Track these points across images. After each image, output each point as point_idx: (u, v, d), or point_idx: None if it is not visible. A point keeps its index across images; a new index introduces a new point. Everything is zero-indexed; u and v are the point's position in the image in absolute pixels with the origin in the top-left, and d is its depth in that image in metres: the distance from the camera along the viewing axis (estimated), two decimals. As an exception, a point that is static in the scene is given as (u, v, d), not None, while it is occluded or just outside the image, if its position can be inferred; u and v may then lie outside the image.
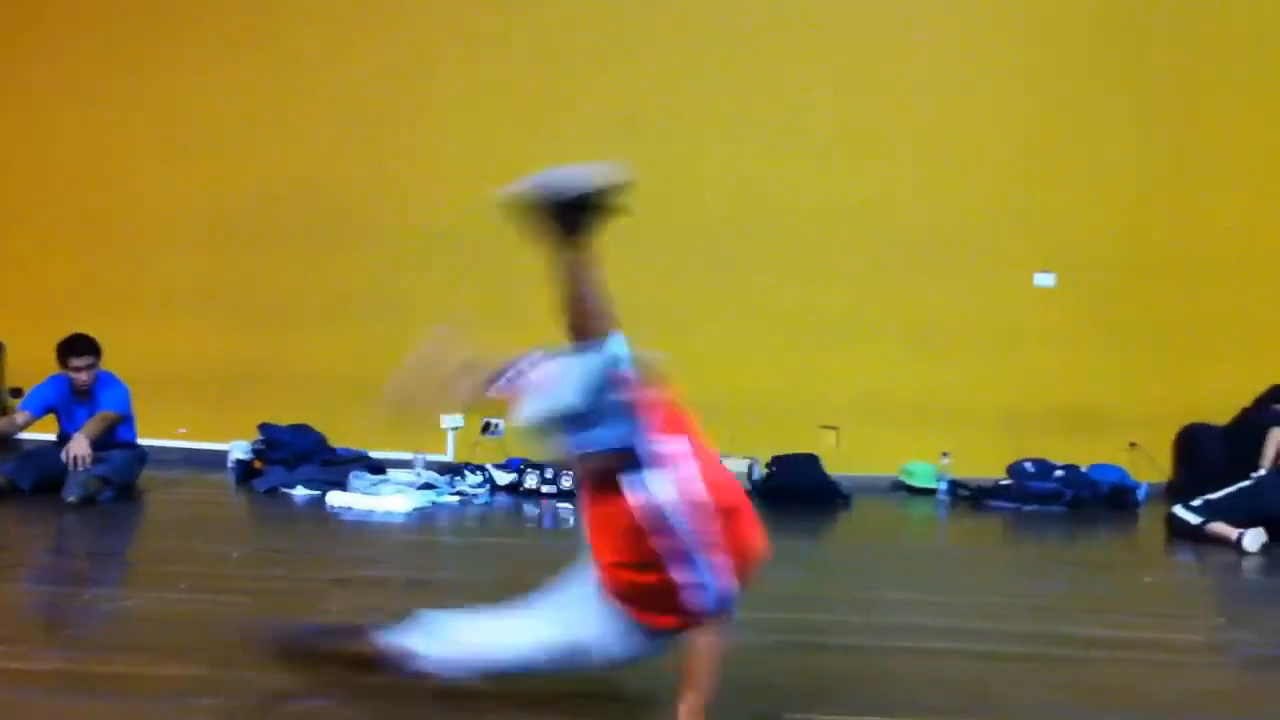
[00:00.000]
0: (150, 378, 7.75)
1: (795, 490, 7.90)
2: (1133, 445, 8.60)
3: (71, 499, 6.47)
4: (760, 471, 8.26)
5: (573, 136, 8.48)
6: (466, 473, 7.76)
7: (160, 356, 8.33)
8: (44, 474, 6.78)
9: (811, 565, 6.10)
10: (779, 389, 8.61)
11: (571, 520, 6.82)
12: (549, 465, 7.73)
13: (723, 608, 2.94)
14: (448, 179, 8.57)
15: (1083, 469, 8.25)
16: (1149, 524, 7.68)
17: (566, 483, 7.47)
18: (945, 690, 3.61)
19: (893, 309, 8.68)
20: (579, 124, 8.57)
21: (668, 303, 8.54)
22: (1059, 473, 8.15)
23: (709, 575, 2.90)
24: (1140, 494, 8.17)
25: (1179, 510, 6.93)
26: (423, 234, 8.61)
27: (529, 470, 7.75)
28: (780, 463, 8.22)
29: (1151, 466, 8.54)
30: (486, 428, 8.19)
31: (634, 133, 8.49)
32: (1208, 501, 6.89)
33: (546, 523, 6.90)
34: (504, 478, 7.77)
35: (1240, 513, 6.76)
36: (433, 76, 8.72)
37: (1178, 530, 6.91)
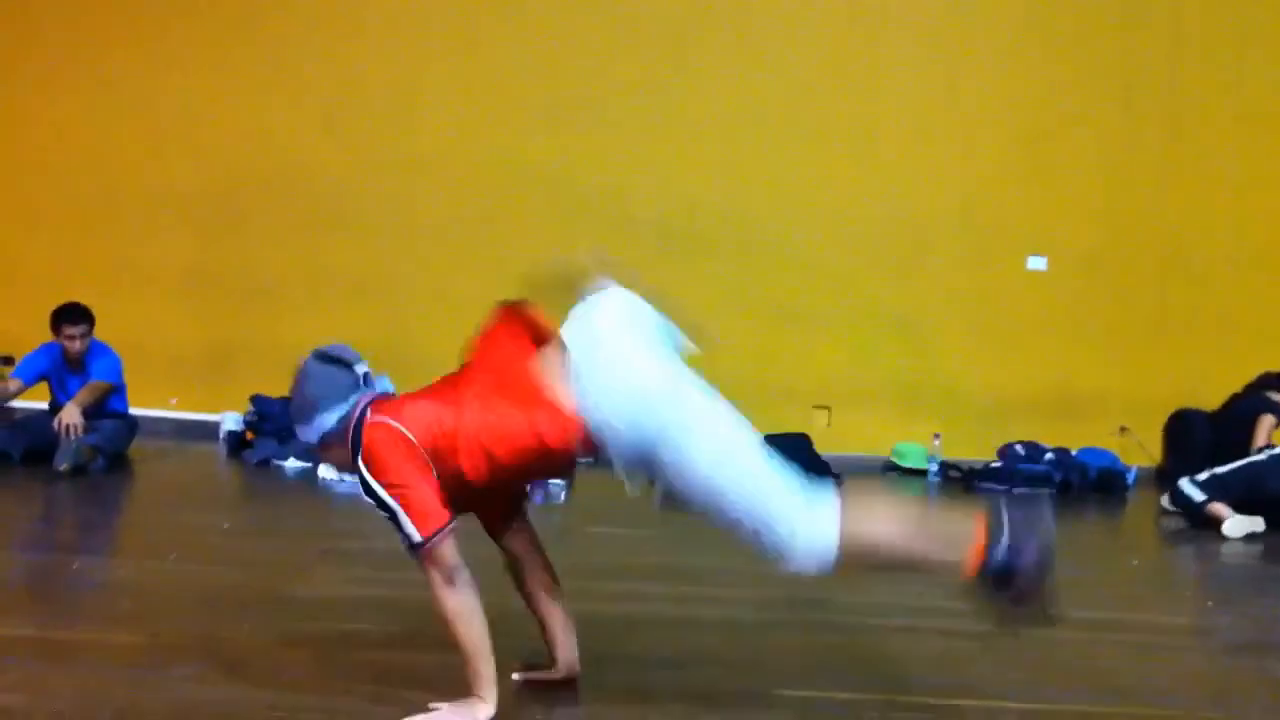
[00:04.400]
0: (142, 348, 7.77)
1: (786, 470, 7.91)
2: (1123, 430, 8.63)
3: (62, 468, 6.47)
4: (752, 450, 8.26)
5: (565, 124, 8.51)
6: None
7: (152, 328, 8.33)
8: (35, 442, 6.78)
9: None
10: (771, 369, 8.62)
11: (562, 495, 6.82)
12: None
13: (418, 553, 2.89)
14: (437, 160, 8.57)
15: (1073, 453, 8.27)
16: (1138, 508, 7.72)
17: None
18: (931, 668, 3.63)
19: (885, 291, 8.70)
20: (571, 111, 8.58)
21: (660, 287, 8.53)
22: (1049, 456, 8.17)
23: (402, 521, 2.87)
24: (1130, 478, 8.20)
25: (1185, 485, 6.91)
26: (411, 213, 8.61)
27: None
28: (772, 442, 8.18)
29: (1141, 451, 8.57)
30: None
31: (626, 121, 8.53)
32: (1214, 476, 6.87)
33: (535, 498, 6.89)
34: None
35: (1240, 491, 6.75)
36: (424, 59, 8.70)
37: (1180, 504, 6.90)
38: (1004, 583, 2.83)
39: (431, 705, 2.97)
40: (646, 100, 8.65)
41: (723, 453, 2.92)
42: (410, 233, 8.62)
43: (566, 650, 3.29)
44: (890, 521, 2.94)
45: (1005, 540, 2.80)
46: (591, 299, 3.08)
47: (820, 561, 2.84)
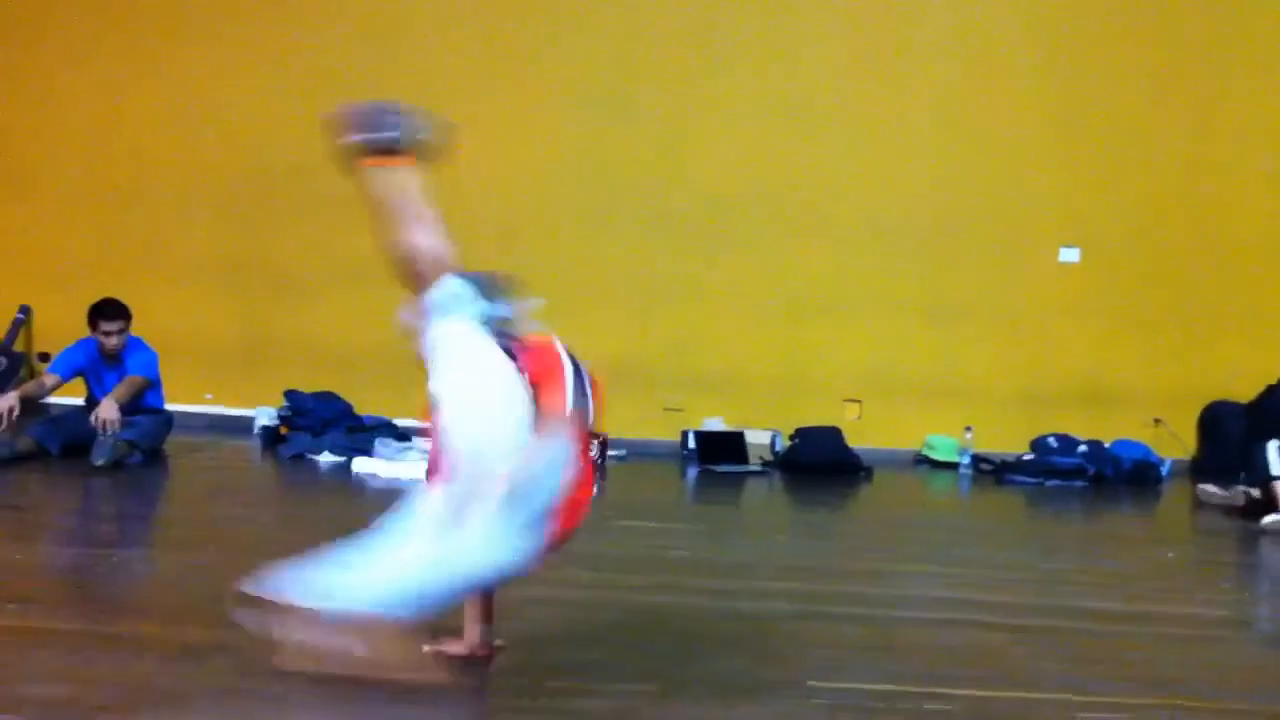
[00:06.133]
0: (177, 344, 7.82)
1: (817, 463, 7.93)
2: (1157, 422, 8.58)
3: (99, 462, 6.52)
4: (783, 444, 8.28)
5: (593, 115, 8.54)
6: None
7: (186, 323, 8.39)
8: (72, 437, 6.83)
9: (832, 537, 6.15)
10: (802, 363, 8.63)
11: (594, 490, 6.83)
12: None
13: None
14: (470, 150, 8.58)
15: (1106, 445, 8.23)
16: (1172, 500, 7.69)
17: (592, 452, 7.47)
18: (963, 661, 3.63)
19: (917, 283, 8.67)
20: (599, 102, 8.61)
21: (693, 279, 8.57)
22: (1082, 448, 8.14)
23: None
24: (1164, 470, 8.16)
25: (1272, 450, 6.75)
26: (449, 204, 8.61)
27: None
28: (803, 435, 8.23)
29: (1175, 443, 8.52)
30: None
31: (655, 113, 8.57)
32: None
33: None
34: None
35: None
36: (456, 47, 8.71)
37: (1256, 465, 6.77)
38: None
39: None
40: (675, 92, 8.65)
41: None
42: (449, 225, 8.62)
43: (481, 632, 3.38)
44: None
45: None
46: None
47: None
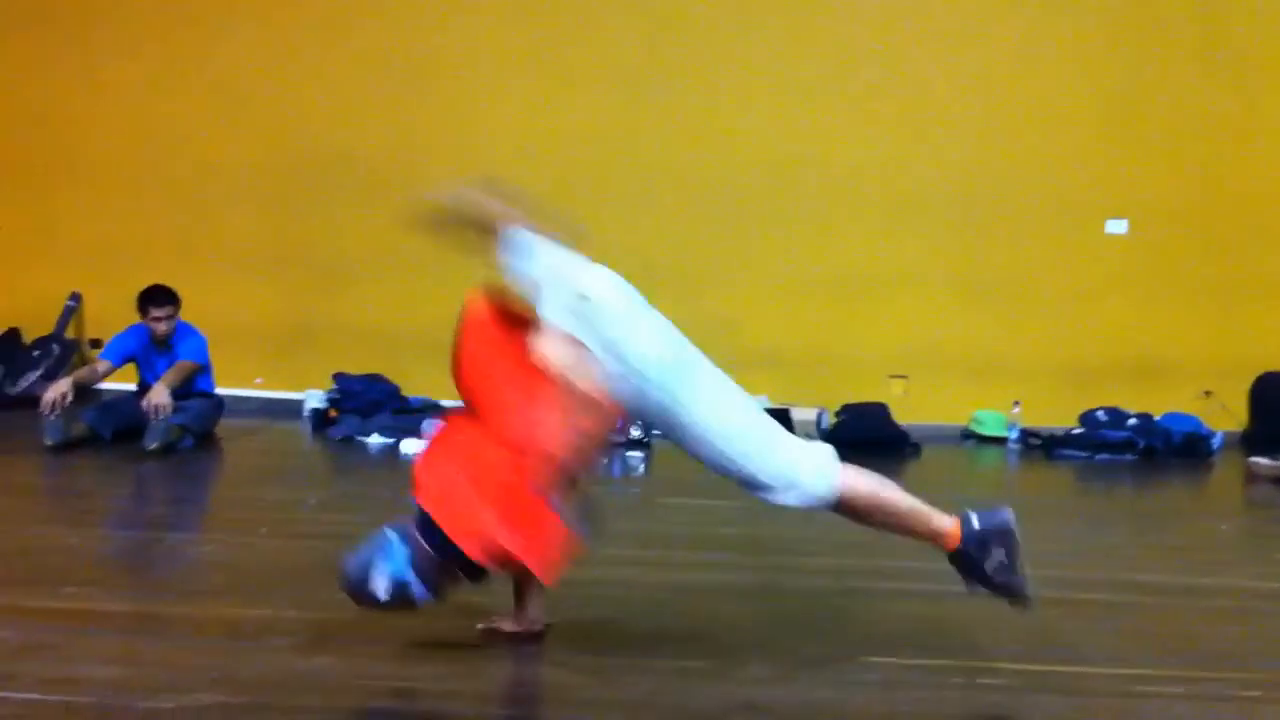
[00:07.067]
0: (226, 329, 7.89)
1: (864, 439, 7.89)
2: (1207, 394, 8.50)
3: (151, 447, 6.60)
4: (829, 420, 8.26)
5: (625, 94, 8.55)
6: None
7: (235, 308, 8.46)
8: (124, 423, 6.92)
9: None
10: (848, 338, 8.60)
11: (641, 468, 6.86)
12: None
13: None
14: (511, 133, 8.61)
15: (1156, 418, 8.17)
16: (1224, 473, 7.62)
17: (635, 431, 7.50)
18: (1014, 636, 3.61)
19: (962, 257, 8.63)
20: (632, 82, 8.62)
21: (731, 256, 8.56)
22: (1132, 421, 8.08)
23: None
24: (1214, 443, 8.09)
25: None
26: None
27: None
28: (849, 412, 8.22)
29: (1226, 415, 8.44)
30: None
31: (678, 83, 8.58)
32: None
33: (614, 470, 6.94)
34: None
35: None
36: (497, 30, 8.71)
37: None
38: (980, 558, 3.23)
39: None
40: (711, 68, 8.63)
41: (733, 404, 3.19)
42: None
43: (532, 609, 3.41)
44: (883, 481, 3.27)
45: (977, 523, 3.28)
46: (550, 268, 3.16)
47: (822, 493, 3.15)
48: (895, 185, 8.62)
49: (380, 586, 3.04)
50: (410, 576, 3.03)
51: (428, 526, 2.99)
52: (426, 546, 3.01)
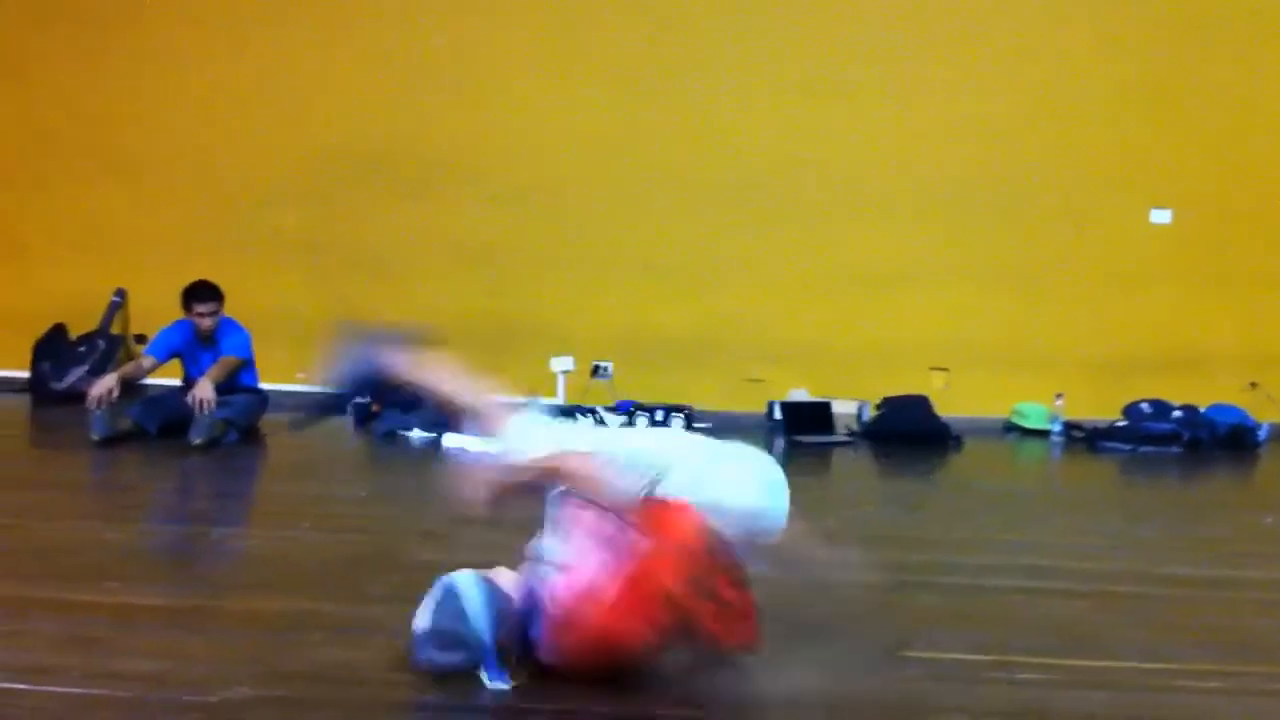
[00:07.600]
0: (269, 324, 7.93)
1: (905, 432, 7.88)
2: (1253, 385, 8.41)
3: (197, 441, 6.66)
4: (870, 413, 8.24)
5: (645, 91, 8.59)
6: (578, 415, 7.84)
7: (278, 303, 8.49)
8: (169, 417, 6.97)
9: (922, 506, 6.11)
10: (888, 331, 8.57)
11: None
12: (659, 408, 7.80)
13: None
14: (544, 130, 8.63)
15: (1201, 409, 8.08)
16: (1270, 464, 7.54)
17: (677, 425, 7.51)
18: (1051, 629, 3.60)
19: (1003, 248, 8.57)
20: (651, 77, 8.64)
21: (779, 250, 8.55)
22: (1177, 413, 7.99)
23: None
24: (1261, 435, 8.01)
25: None
26: (522, 184, 8.67)
27: (639, 412, 7.82)
28: (890, 404, 8.19)
29: (1272, 406, 8.35)
30: (596, 371, 8.28)
31: (681, 85, 8.59)
32: None
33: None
34: (614, 420, 7.84)
35: None
36: (525, 30, 8.73)
37: None
38: None
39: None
40: (718, 62, 8.62)
41: None
42: (538, 201, 8.67)
43: None
44: None
45: None
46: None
47: None
48: (935, 177, 8.56)
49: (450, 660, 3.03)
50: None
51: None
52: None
